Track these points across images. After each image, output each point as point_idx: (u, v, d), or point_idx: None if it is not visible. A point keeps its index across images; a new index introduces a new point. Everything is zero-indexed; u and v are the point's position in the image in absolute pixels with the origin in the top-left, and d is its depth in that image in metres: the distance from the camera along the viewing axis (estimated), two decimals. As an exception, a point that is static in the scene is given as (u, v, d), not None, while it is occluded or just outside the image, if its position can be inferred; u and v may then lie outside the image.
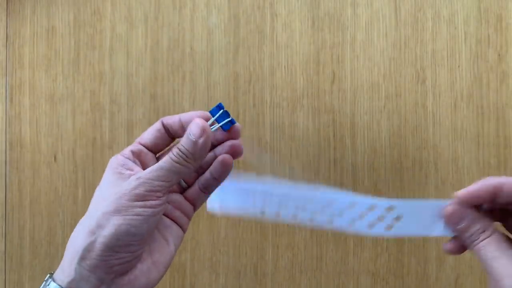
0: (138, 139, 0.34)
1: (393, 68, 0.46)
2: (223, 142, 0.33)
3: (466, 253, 0.45)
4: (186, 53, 0.51)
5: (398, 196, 0.46)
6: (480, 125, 0.45)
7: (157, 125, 0.34)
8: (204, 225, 0.50)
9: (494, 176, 0.29)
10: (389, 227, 0.33)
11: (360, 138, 0.47)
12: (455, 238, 0.32)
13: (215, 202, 0.40)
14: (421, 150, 0.46)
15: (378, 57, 0.47)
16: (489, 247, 0.28)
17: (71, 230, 0.56)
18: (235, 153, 0.33)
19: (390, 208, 0.33)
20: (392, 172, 0.46)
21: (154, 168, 0.30)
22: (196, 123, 0.31)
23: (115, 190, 0.30)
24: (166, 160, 0.31)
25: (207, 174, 0.34)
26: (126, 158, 0.33)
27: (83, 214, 0.56)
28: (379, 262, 0.47)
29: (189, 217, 0.35)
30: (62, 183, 0.55)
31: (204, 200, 0.35)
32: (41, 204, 0.55)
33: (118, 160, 0.33)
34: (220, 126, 0.33)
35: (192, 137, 0.31)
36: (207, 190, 0.35)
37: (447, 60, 0.46)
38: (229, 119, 0.33)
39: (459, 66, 0.45)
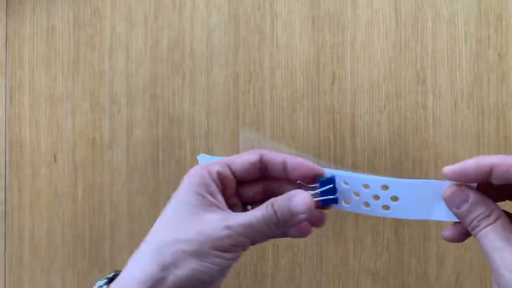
0: (229, 161, 0.32)
1: (393, 68, 0.46)
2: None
3: (467, 252, 0.45)
4: (186, 53, 0.51)
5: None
6: (480, 125, 0.45)
7: (253, 158, 0.32)
8: (204, 225, 0.50)
9: (486, 155, 0.27)
10: (386, 207, 0.31)
11: (360, 138, 0.47)
12: (456, 223, 0.30)
13: None
14: (421, 150, 0.46)
15: (378, 57, 0.47)
16: (492, 236, 0.26)
17: (71, 230, 0.56)
18: (303, 232, 0.33)
19: (384, 187, 0.31)
20: (392, 172, 0.46)
21: (244, 223, 0.29)
22: (303, 199, 0.29)
23: (198, 225, 0.29)
24: (258, 218, 0.29)
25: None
26: (211, 178, 0.31)
27: (83, 214, 0.57)
28: (379, 262, 0.47)
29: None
30: (62, 183, 0.55)
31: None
32: (41, 204, 0.55)
33: (202, 178, 0.31)
34: (321, 200, 0.31)
35: (294, 211, 0.29)
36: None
37: (447, 60, 0.46)
38: (334, 197, 0.31)
39: (459, 66, 0.45)
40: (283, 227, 0.29)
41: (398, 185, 0.30)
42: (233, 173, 0.32)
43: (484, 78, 0.45)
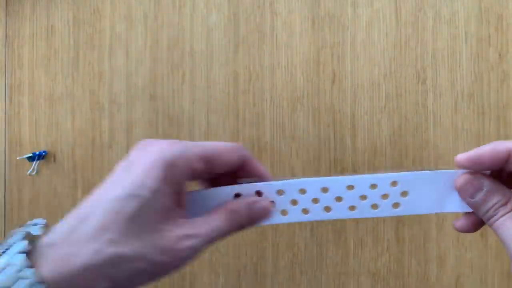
0: (210, 156, 0.27)
1: (394, 68, 0.46)
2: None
3: (467, 253, 0.45)
4: (185, 53, 0.51)
5: (398, 196, 0.46)
6: (480, 125, 0.45)
7: (233, 162, 0.27)
8: (204, 225, 0.50)
9: (501, 141, 0.25)
10: (396, 204, 0.31)
11: (360, 138, 0.47)
12: (468, 213, 0.28)
13: None
14: (421, 150, 0.46)
15: (378, 57, 0.46)
16: (510, 224, 0.25)
17: (71, 230, 0.56)
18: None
19: (393, 183, 0.30)
20: (392, 172, 0.46)
21: (207, 238, 0.26)
22: (265, 208, 0.28)
23: (159, 239, 0.25)
24: (220, 230, 0.26)
25: None
26: (188, 174, 0.26)
27: (82, 214, 0.56)
28: (380, 262, 0.46)
29: None
30: (62, 183, 0.55)
31: None
32: (40, 204, 0.55)
33: (184, 173, 0.26)
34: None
35: (256, 218, 0.28)
36: None
37: (448, 60, 0.45)
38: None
39: (459, 66, 0.45)
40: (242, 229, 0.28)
41: (407, 179, 0.30)
42: (207, 169, 0.27)
43: (485, 78, 0.45)
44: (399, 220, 0.46)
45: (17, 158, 0.53)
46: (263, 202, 0.28)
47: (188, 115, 0.50)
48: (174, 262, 0.25)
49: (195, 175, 0.26)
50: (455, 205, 0.29)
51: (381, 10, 0.46)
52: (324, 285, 0.47)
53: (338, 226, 0.47)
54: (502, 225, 0.25)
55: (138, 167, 0.24)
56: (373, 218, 0.47)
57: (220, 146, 0.27)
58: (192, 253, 0.25)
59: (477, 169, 0.27)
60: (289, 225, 0.48)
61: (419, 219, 0.46)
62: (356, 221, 0.47)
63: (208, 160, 0.26)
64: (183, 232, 0.25)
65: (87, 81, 0.53)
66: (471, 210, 0.29)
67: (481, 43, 0.45)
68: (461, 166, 0.27)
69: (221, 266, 0.49)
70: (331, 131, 0.47)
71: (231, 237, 0.51)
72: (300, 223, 0.48)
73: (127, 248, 0.24)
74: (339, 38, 0.47)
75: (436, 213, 0.45)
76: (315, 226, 0.47)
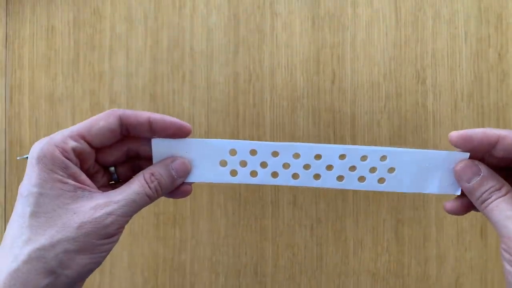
0: (82, 130, 0.29)
1: (394, 68, 0.46)
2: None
3: (467, 253, 0.45)
4: (186, 53, 0.51)
5: (399, 195, 0.46)
6: (480, 125, 0.45)
7: (112, 123, 0.29)
8: (204, 225, 0.50)
9: (493, 128, 0.28)
10: (382, 180, 0.31)
11: (360, 138, 0.47)
12: (459, 197, 0.30)
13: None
14: (421, 150, 0.46)
15: (378, 56, 0.47)
16: (504, 206, 0.26)
17: (71, 230, 0.56)
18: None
19: (383, 157, 0.31)
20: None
21: (126, 203, 0.27)
22: (184, 163, 0.30)
23: (73, 219, 0.26)
24: (140, 192, 0.28)
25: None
26: (67, 158, 0.28)
27: (82, 214, 0.56)
28: (380, 262, 0.46)
29: None
30: (62, 183, 0.54)
31: None
32: (40, 204, 0.55)
33: (54, 159, 0.27)
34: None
35: (175, 175, 0.30)
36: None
37: (448, 59, 0.46)
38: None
39: (459, 66, 0.45)
40: (162, 194, 0.30)
41: (397, 154, 0.31)
42: (90, 143, 0.30)
43: (484, 78, 0.45)
44: (399, 220, 0.46)
45: (17, 158, 0.53)
46: (179, 159, 0.31)
47: (188, 115, 0.50)
48: (97, 230, 0.26)
49: (83, 152, 0.28)
50: (435, 188, 0.30)
51: (381, 10, 0.47)
52: (324, 285, 0.47)
53: (338, 226, 0.47)
54: (496, 207, 0.27)
55: (26, 173, 0.27)
56: (373, 217, 0.48)
57: (93, 117, 0.30)
58: (113, 220, 0.27)
59: (465, 148, 0.28)
60: (289, 224, 0.48)
61: (419, 219, 0.46)
62: (356, 221, 0.47)
63: (83, 134, 0.29)
64: (97, 202, 0.27)
65: (87, 81, 0.53)
66: (450, 193, 0.30)
67: (480, 43, 0.45)
68: (452, 142, 0.29)
69: (221, 266, 0.49)
70: (331, 131, 0.47)
71: (231, 237, 0.51)
72: (299, 223, 0.48)
73: (42, 239, 0.26)
74: (339, 38, 0.47)
75: (436, 212, 0.45)
76: (315, 226, 0.48)
